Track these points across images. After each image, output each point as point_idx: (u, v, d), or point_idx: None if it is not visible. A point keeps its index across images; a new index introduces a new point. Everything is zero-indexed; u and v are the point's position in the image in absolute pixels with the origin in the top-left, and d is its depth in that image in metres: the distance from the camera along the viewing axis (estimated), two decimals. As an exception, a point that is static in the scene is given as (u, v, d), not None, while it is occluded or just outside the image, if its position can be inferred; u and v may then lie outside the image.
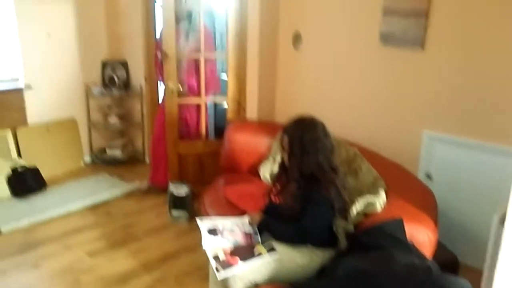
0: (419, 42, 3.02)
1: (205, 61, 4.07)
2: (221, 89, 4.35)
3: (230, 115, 4.19)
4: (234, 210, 3.00)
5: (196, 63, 4.10)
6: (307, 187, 2.30)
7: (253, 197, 2.99)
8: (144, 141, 5.13)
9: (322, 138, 2.33)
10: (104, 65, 5.02)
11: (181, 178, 4.12)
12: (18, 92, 4.49)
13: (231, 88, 4.13)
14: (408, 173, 2.91)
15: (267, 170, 3.39)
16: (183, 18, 4.05)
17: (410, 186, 2.73)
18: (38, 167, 4.42)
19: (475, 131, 2.91)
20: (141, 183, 4.50)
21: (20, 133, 4.53)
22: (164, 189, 4.06)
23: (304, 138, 2.31)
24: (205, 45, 4.01)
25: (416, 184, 2.79)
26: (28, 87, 4.53)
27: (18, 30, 4.38)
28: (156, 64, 4.39)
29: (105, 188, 4.41)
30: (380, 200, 2.46)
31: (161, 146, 4.25)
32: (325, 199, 2.28)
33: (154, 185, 4.40)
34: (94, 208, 4.09)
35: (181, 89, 4.08)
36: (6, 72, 4.44)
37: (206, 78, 4.10)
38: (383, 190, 2.54)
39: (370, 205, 2.45)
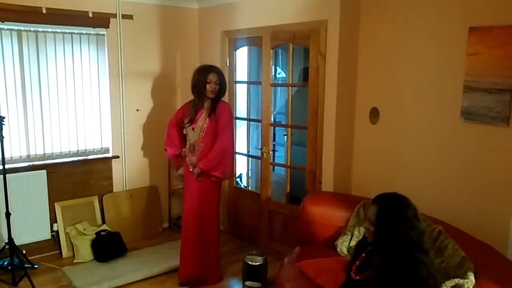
0: (504, 118, 2.95)
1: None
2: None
3: (306, 186, 4.23)
4: (311, 285, 2.95)
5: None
6: (394, 265, 2.22)
7: (331, 273, 2.94)
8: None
9: (414, 219, 2.25)
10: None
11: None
12: (107, 161, 4.83)
13: (308, 160, 4.19)
14: (498, 254, 2.73)
15: (345, 245, 3.34)
16: None
17: (501, 269, 2.55)
18: (119, 232, 4.61)
19: None
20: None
21: (106, 200, 4.82)
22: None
23: (397, 213, 2.23)
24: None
25: (508, 266, 2.61)
26: (116, 157, 4.86)
27: (110, 105, 4.78)
28: None
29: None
30: (469, 284, 2.33)
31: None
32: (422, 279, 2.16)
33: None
34: (171, 274, 4.14)
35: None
36: (98, 143, 4.80)
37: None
38: (472, 273, 2.41)
39: (459, 288, 2.33)
